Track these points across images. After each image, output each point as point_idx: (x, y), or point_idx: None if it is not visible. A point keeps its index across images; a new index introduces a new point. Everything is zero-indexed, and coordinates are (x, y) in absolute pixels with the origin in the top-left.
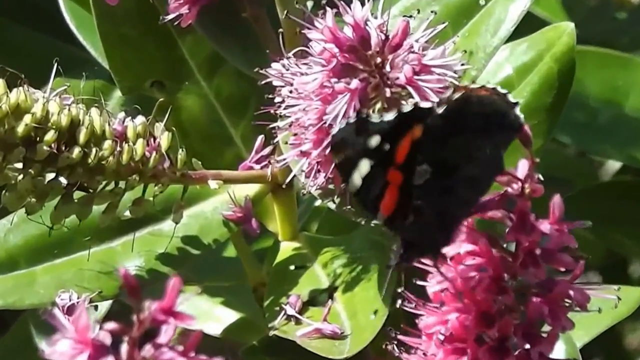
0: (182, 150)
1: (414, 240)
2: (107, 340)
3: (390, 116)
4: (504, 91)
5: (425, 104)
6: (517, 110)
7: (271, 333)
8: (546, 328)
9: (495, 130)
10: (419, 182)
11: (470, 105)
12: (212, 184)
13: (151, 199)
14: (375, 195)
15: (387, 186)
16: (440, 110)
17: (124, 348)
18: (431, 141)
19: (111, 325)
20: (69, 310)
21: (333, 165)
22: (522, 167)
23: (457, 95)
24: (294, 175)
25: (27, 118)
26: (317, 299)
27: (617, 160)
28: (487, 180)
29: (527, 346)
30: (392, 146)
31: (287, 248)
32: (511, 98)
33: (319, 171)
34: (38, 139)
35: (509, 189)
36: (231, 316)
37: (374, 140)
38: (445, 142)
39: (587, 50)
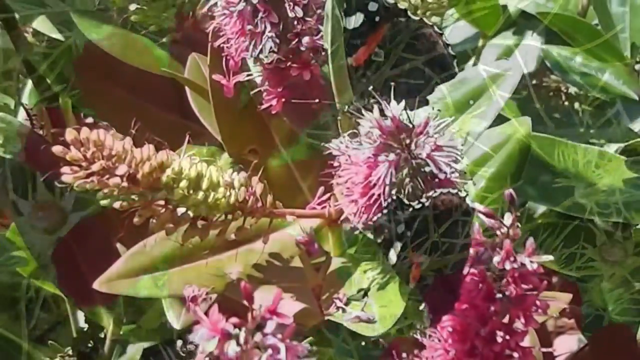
0: (270, 195)
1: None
2: (231, 329)
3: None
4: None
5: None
6: (468, 200)
7: (326, 318)
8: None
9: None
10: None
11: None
12: (289, 218)
13: (248, 227)
14: (407, 268)
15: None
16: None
17: (242, 335)
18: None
19: (234, 319)
20: (193, 300)
21: (373, 209)
22: (508, 218)
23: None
24: (346, 215)
25: (168, 171)
26: (357, 296)
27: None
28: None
29: (508, 337)
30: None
31: (336, 262)
32: (462, 194)
33: (363, 213)
34: (175, 185)
35: (498, 232)
36: (297, 307)
37: (400, 228)
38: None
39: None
